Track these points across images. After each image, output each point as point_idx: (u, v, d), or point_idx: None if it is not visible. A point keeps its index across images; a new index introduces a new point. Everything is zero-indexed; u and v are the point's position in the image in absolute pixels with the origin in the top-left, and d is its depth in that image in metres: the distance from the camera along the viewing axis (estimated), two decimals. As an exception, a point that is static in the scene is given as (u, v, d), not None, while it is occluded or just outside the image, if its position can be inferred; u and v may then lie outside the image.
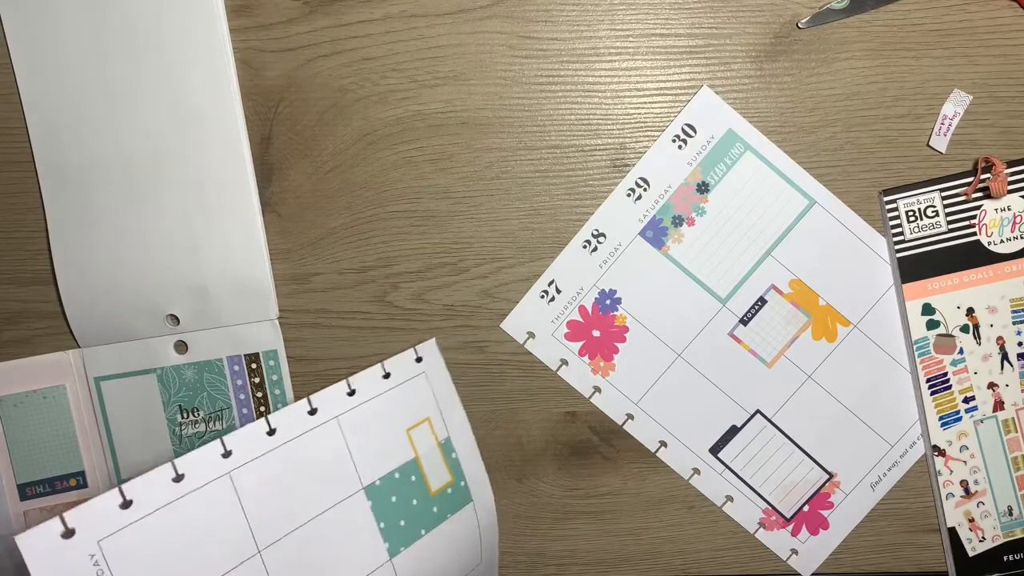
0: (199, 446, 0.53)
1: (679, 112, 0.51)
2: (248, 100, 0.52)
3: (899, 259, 0.51)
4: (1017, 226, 0.50)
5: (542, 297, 0.53)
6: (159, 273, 0.52)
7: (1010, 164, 0.50)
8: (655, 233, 0.52)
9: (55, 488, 0.55)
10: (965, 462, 0.52)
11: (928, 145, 0.50)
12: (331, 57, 0.51)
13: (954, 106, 0.50)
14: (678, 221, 0.52)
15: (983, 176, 0.50)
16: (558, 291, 0.52)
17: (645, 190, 0.51)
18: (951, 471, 0.52)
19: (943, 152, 0.50)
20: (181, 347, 0.53)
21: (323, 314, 0.53)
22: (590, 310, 0.52)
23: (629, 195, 0.51)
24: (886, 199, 0.51)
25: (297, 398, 0.53)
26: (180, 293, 0.52)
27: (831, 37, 0.50)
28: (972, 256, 0.51)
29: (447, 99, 0.51)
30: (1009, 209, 0.50)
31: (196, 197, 0.52)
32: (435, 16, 0.50)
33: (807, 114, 0.50)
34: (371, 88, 0.51)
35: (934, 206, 0.50)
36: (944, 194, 0.50)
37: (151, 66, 0.51)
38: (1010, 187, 0.50)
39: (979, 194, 0.50)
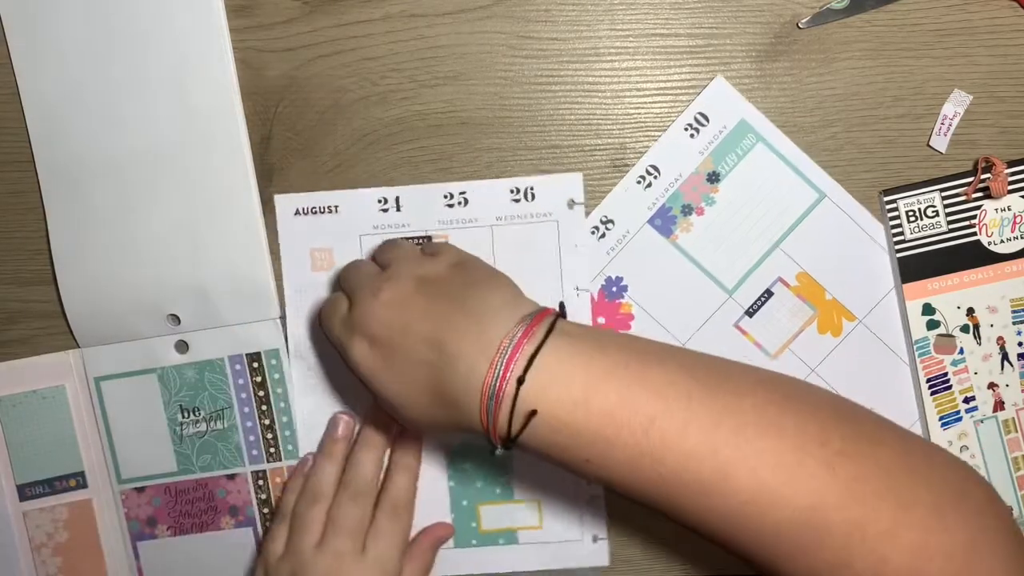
0: (200, 446, 0.53)
1: (680, 112, 0.51)
2: (248, 100, 0.52)
3: (899, 259, 0.51)
4: (1017, 226, 0.50)
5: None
6: (159, 273, 0.52)
7: (1010, 164, 0.50)
8: (664, 221, 0.52)
9: (55, 488, 0.55)
10: (966, 462, 0.52)
11: (928, 145, 0.50)
12: (331, 57, 0.51)
13: (954, 106, 0.50)
14: (687, 210, 0.51)
15: (983, 176, 0.50)
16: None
17: (656, 178, 0.51)
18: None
19: (943, 152, 0.50)
20: (182, 347, 0.53)
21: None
22: (596, 296, 0.52)
23: (639, 182, 0.51)
24: (886, 199, 0.51)
25: (299, 398, 0.53)
26: (180, 293, 0.52)
27: (831, 37, 0.50)
28: (972, 256, 0.51)
29: (447, 99, 0.51)
30: (1009, 209, 0.50)
31: (196, 197, 0.52)
32: (435, 16, 0.50)
33: (807, 114, 0.50)
34: (371, 88, 0.51)
35: (934, 206, 0.50)
36: (944, 194, 0.50)
37: (151, 66, 0.51)
38: (1010, 187, 0.50)
39: (979, 194, 0.50)
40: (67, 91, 0.52)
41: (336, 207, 0.52)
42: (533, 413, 0.39)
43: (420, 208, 0.52)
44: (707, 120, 0.51)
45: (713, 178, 0.51)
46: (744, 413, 0.39)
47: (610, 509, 0.53)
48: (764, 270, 0.52)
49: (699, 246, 0.52)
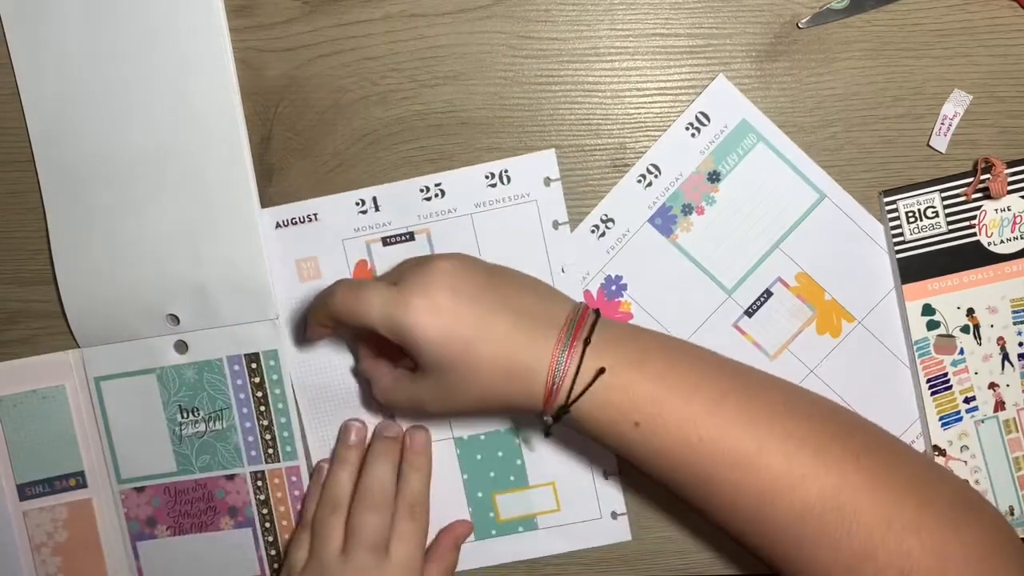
0: (199, 446, 0.53)
1: (680, 112, 0.51)
2: (248, 100, 0.52)
3: (899, 260, 0.51)
4: (1017, 226, 0.50)
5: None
6: (159, 273, 0.52)
7: (1010, 164, 0.50)
8: (664, 221, 0.52)
9: (55, 488, 0.55)
10: (966, 462, 0.52)
11: (928, 145, 0.50)
12: (331, 57, 0.51)
13: (954, 106, 0.50)
14: (688, 209, 0.51)
15: (983, 176, 0.50)
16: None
17: (656, 177, 0.51)
18: (952, 471, 0.52)
19: (943, 152, 0.50)
20: (181, 347, 0.53)
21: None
22: (595, 295, 0.52)
23: (639, 181, 0.51)
24: (886, 200, 0.50)
25: (298, 398, 0.53)
26: (180, 293, 0.52)
27: (831, 37, 0.50)
28: (972, 257, 0.51)
29: (447, 99, 0.51)
30: (1009, 209, 0.50)
31: (196, 197, 0.52)
32: (435, 16, 0.50)
33: (807, 114, 0.50)
34: (371, 88, 0.51)
35: (934, 207, 0.50)
36: (944, 195, 0.50)
37: (151, 66, 0.51)
38: (1009, 187, 0.50)
39: (979, 195, 0.50)
40: (67, 91, 0.52)
41: (315, 215, 0.52)
42: (602, 370, 0.41)
43: (398, 205, 0.52)
44: (708, 119, 0.51)
45: (714, 177, 0.51)
46: (774, 393, 0.42)
47: (625, 484, 0.53)
48: (764, 270, 0.52)
49: (699, 245, 0.52)
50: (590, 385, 0.41)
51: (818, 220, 0.51)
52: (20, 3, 0.51)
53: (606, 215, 0.52)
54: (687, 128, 0.51)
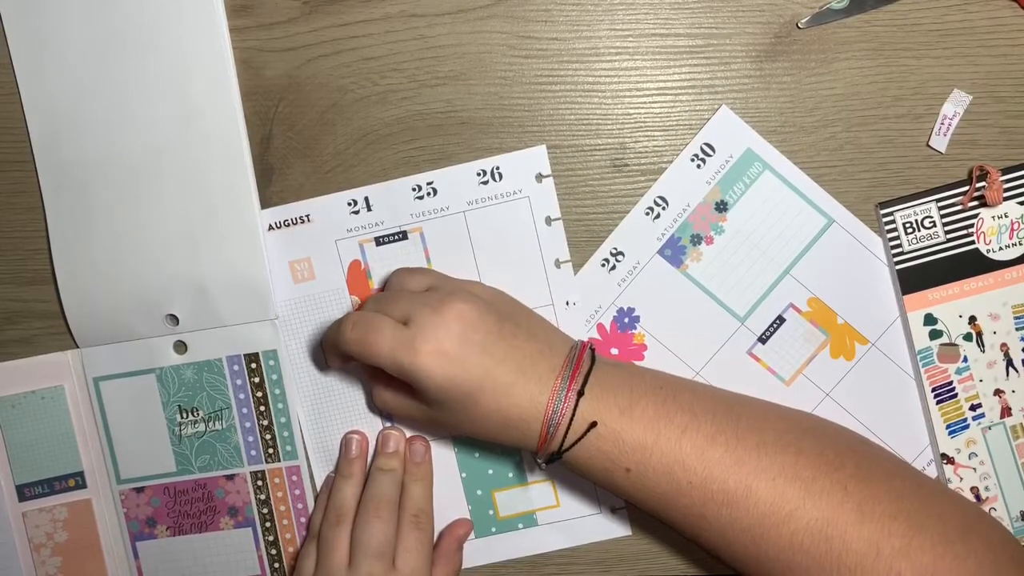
0: (198, 446, 0.53)
1: (680, 113, 0.51)
2: (248, 100, 0.52)
3: (899, 271, 0.51)
4: (1015, 233, 0.50)
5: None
6: (159, 273, 0.52)
7: (1004, 172, 0.50)
8: (673, 251, 0.52)
9: (54, 488, 0.55)
10: (975, 469, 0.52)
11: (928, 145, 0.50)
12: (331, 57, 0.51)
13: (954, 106, 0.50)
14: (696, 240, 0.51)
15: (978, 185, 0.50)
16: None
17: (664, 209, 0.51)
18: (961, 479, 0.52)
19: (943, 152, 0.50)
20: (180, 347, 0.53)
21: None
22: (608, 328, 0.52)
23: (647, 213, 0.51)
24: (883, 211, 0.50)
25: (298, 398, 0.53)
26: (179, 293, 0.52)
27: (831, 37, 0.50)
28: (972, 265, 0.51)
29: (447, 99, 0.51)
30: (1006, 216, 0.50)
31: (196, 197, 0.52)
32: (435, 16, 0.51)
33: (807, 114, 0.50)
34: (371, 88, 0.51)
35: (931, 216, 0.50)
36: (940, 204, 0.50)
37: (151, 66, 0.51)
38: (1005, 194, 0.50)
39: (975, 203, 0.50)
40: (67, 91, 0.52)
41: (308, 216, 0.52)
42: (593, 424, 0.43)
43: (390, 205, 0.52)
44: (713, 150, 0.51)
45: (721, 207, 0.51)
46: (764, 433, 0.43)
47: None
48: (775, 297, 0.52)
49: (710, 275, 0.52)
50: (581, 437, 0.43)
51: (827, 245, 0.51)
52: (20, 3, 0.51)
53: (615, 248, 0.52)
54: (692, 159, 0.51)
